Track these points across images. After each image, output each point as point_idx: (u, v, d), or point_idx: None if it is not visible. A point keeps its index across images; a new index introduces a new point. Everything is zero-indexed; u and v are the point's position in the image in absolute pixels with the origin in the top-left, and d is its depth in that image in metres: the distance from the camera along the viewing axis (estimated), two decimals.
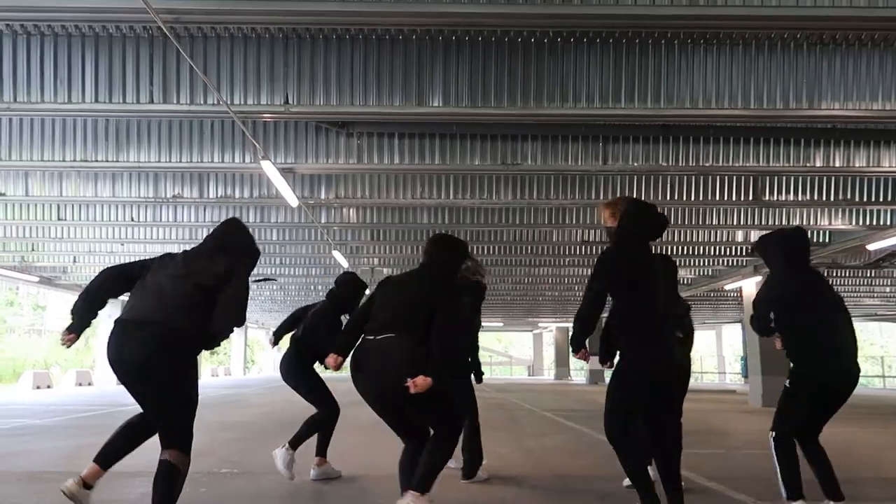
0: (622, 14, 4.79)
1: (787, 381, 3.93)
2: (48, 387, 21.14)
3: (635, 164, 7.95)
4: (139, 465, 4.31)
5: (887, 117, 6.30)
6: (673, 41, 6.05)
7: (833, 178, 9.18)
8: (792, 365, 3.92)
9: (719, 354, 42.50)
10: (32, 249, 15.27)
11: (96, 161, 7.84)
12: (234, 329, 3.49)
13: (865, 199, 9.44)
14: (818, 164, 8.01)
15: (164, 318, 3.27)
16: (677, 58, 6.18)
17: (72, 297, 30.63)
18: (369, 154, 7.89)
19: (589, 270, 13.50)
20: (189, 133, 7.67)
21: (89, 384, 23.15)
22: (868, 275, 18.05)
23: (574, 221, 11.21)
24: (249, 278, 3.59)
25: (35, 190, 9.55)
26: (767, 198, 9.56)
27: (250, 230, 3.80)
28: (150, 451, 3.54)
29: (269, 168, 7.52)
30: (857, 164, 8.06)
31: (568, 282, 19.64)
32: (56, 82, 6.06)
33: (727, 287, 17.67)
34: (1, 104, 6.10)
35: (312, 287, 20.89)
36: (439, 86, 6.19)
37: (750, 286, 16.53)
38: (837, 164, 8.03)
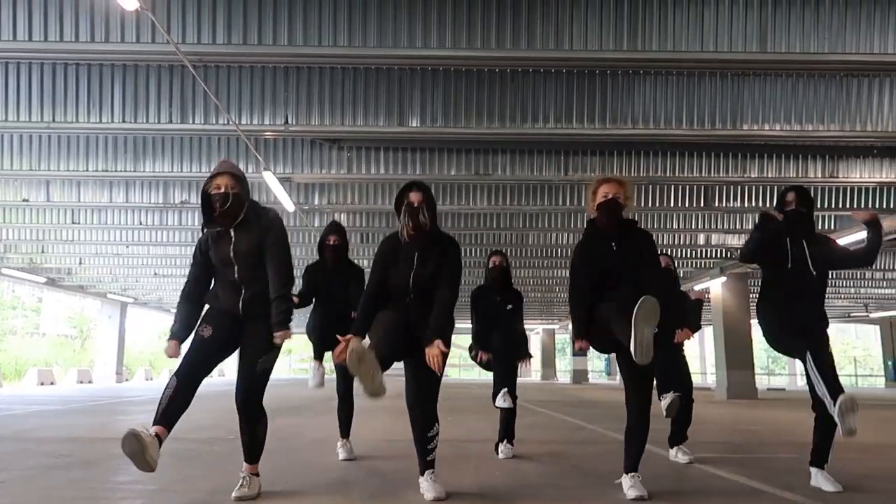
0: (570, 57, 5.80)
1: None
2: (52, 383, 22.01)
3: (593, 174, 9.00)
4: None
5: (799, 136, 7.40)
6: (617, 72, 7.12)
7: (770, 188, 10.27)
8: None
9: (701, 356, 43.67)
10: (42, 251, 16.19)
11: (115, 171, 8.86)
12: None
13: None
14: (753, 174, 9.10)
15: None
16: (622, 86, 7.26)
17: (72, 299, 30.73)
18: (358, 165, 8.93)
19: (567, 273, 14.43)
20: (199, 147, 8.69)
21: (89, 382, 24.02)
22: (829, 275, 19.18)
23: (545, 226, 12.29)
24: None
25: (55, 196, 10.54)
26: (717, 205, 10.66)
27: None
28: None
29: (270, 178, 8.56)
30: (789, 175, 9.16)
31: (549, 283, 20.64)
32: (89, 104, 7.08)
33: (697, 288, 18.76)
34: (41, 123, 7.12)
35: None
36: (417, 108, 7.23)
37: (717, 287, 17.65)
38: (770, 176, 9.12)
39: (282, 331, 3.59)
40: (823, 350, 3.91)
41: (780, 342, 4.12)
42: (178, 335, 3.68)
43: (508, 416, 5.52)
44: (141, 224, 12.39)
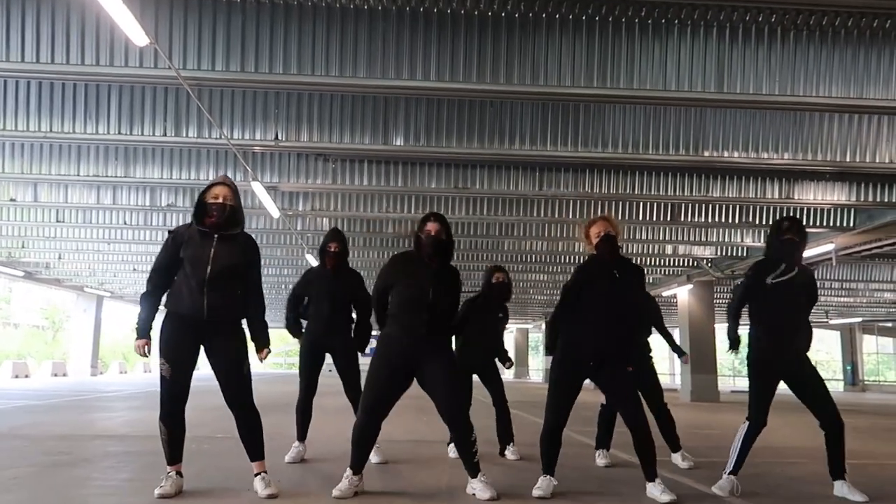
0: (545, 92, 6.26)
1: None
2: (26, 376, 22.01)
3: (565, 190, 9.55)
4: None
5: (756, 162, 8.00)
6: (589, 105, 7.63)
7: (732, 206, 10.90)
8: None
9: (670, 357, 44.67)
10: (22, 246, 16.29)
11: (105, 176, 9.16)
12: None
13: (763, 222, 11.19)
14: (716, 194, 9.70)
15: None
16: (593, 113, 7.79)
17: (50, 292, 30.40)
18: (343, 176, 9.33)
19: (541, 276, 15.10)
20: (189, 156, 9.03)
21: (64, 375, 24.04)
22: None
23: (520, 234, 12.83)
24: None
25: (42, 196, 10.76)
26: (683, 219, 11.25)
27: None
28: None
29: (258, 188, 8.92)
30: (749, 196, 9.77)
31: (523, 286, 21.21)
32: (86, 117, 7.40)
33: (664, 294, 19.46)
34: (38, 133, 7.42)
35: (284, 286, 22.14)
36: (401, 128, 7.68)
37: (683, 293, 18.34)
38: (732, 195, 9.72)
39: (265, 349, 4.12)
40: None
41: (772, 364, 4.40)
42: (145, 333, 3.91)
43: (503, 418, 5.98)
44: (125, 224, 12.64)
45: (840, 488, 4.38)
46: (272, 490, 3.95)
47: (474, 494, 4.05)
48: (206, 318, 3.87)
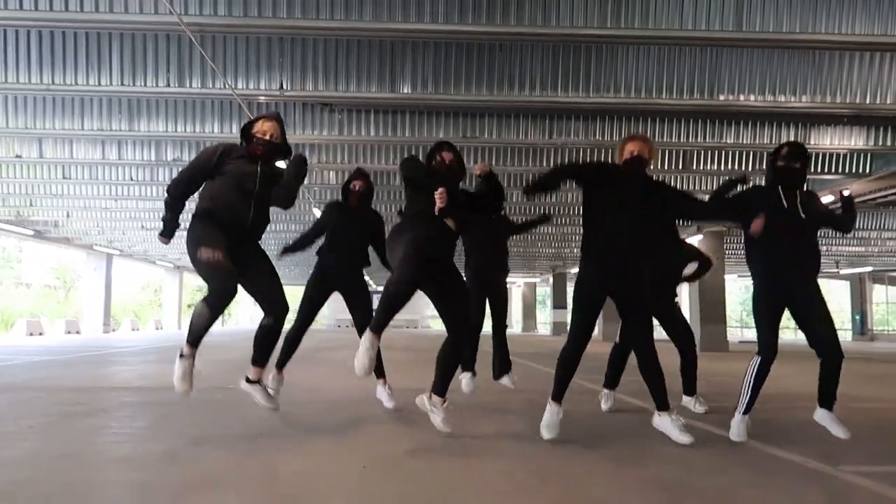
0: (557, 33, 6.09)
1: None
2: (40, 334, 22.30)
3: (576, 138, 9.38)
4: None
5: (773, 106, 7.79)
6: (601, 47, 7.41)
7: (746, 153, 10.71)
8: None
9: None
10: (30, 205, 16.29)
11: (109, 130, 9.05)
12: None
13: None
14: (730, 140, 9.51)
15: None
16: (605, 57, 7.57)
17: (55, 250, 30.68)
18: (349, 128, 9.19)
19: (549, 229, 14.97)
20: (193, 108, 8.88)
21: (77, 332, 24.34)
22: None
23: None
24: None
25: (48, 153, 10.68)
26: (695, 167, 11.07)
27: None
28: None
29: None
30: (763, 142, 9.57)
31: (531, 239, 21.13)
32: (87, 68, 7.25)
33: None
34: (40, 85, 7.29)
35: (290, 240, 22.09)
36: (408, 76, 7.51)
37: (694, 243, 18.18)
38: (746, 142, 9.53)
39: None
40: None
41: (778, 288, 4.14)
42: (171, 234, 4.03)
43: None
44: (132, 180, 12.58)
45: (822, 416, 4.18)
46: (273, 405, 4.18)
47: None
48: (247, 230, 3.95)
